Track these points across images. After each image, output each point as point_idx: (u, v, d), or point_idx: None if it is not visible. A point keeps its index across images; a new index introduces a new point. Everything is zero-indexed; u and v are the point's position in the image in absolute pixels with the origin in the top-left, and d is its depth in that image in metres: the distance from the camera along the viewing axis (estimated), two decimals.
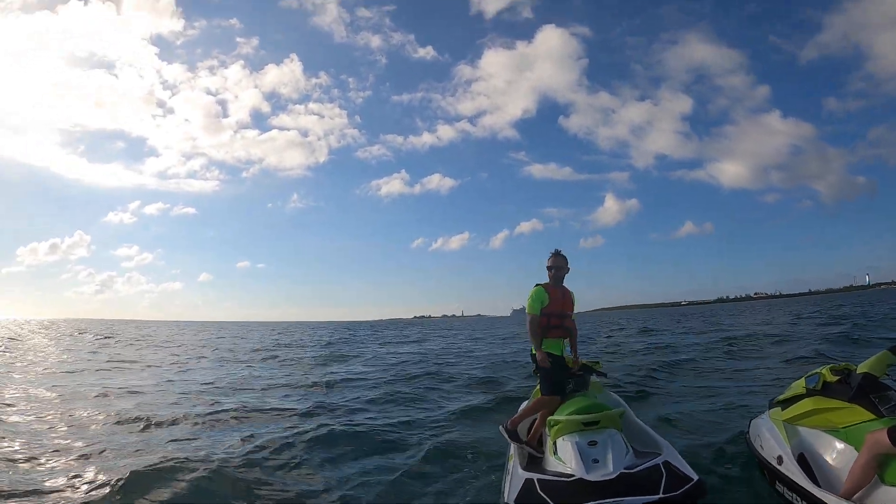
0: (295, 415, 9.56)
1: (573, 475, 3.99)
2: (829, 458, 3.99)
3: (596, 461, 4.12)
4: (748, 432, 5.34)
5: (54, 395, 11.72)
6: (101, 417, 9.24)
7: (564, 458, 4.36)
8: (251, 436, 7.88)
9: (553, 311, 5.64)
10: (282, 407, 10.31)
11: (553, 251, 5.83)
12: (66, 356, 22.87)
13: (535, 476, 4.08)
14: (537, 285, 5.69)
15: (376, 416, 9.34)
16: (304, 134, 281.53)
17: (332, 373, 16.41)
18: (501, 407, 9.52)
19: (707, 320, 46.31)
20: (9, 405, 10.30)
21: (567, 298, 5.78)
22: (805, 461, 4.17)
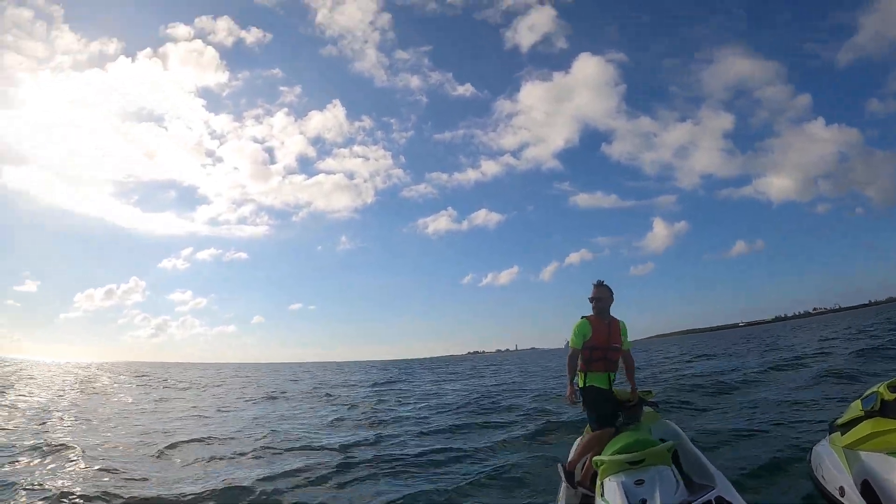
0: (347, 447, 10.06)
1: None
2: None
3: (643, 502, 3.98)
4: (809, 461, 5.03)
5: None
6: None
7: (610, 499, 4.16)
8: (305, 467, 8.50)
9: (596, 345, 5.58)
10: (333, 441, 10.75)
11: (595, 282, 5.79)
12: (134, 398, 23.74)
13: None
14: (582, 318, 5.68)
15: (428, 447, 9.74)
16: (350, 176, 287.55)
17: (387, 408, 16.79)
18: (553, 437, 9.77)
19: (763, 340, 45.00)
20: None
21: (614, 329, 5.71)
22: (870, 489, 3.83)
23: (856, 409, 4.30)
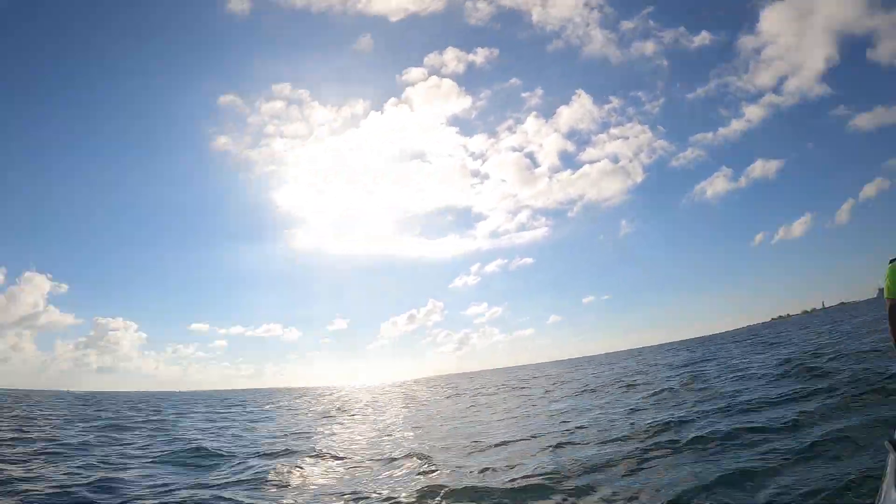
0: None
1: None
2: None
3: None
4: None
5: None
6: None
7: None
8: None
9: None
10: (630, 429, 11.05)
11: None
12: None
13: None
14: (893, 261, 4.76)
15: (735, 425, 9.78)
16: (615, 160, 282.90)
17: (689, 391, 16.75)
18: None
19: None
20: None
21: None
22: None
23: None
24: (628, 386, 22.64)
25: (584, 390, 24.56)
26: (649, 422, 11.62)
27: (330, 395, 61.78)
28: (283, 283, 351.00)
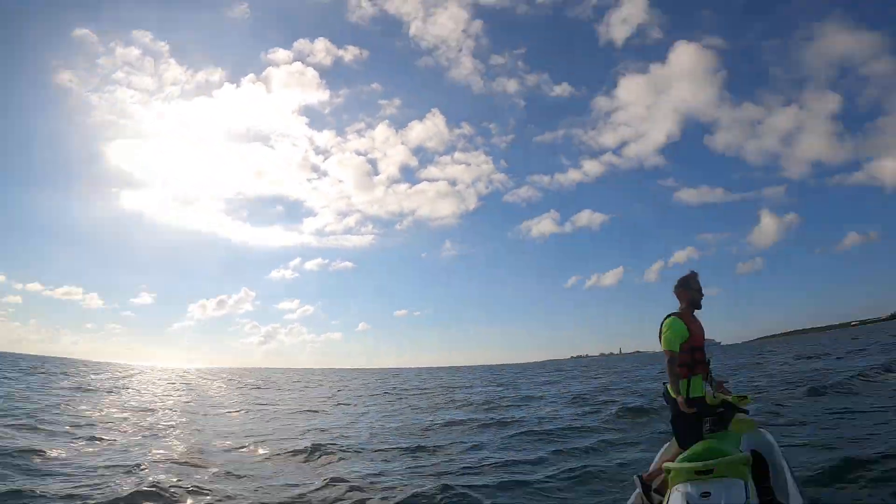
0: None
1: None
2: None
3: None
4: None
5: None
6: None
7: None
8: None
9: (696, 345, 5.02)
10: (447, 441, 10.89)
11: (692, 273, 5.33)
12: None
13: None
14: (672, 315, 5.11)
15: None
16: (453, 183, 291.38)
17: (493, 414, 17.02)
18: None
19: (875, 340, 42.23)
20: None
21: (702, 329, 5.20)
22: None
23: None
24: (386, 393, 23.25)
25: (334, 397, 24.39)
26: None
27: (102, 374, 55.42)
28: (93, 243, 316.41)
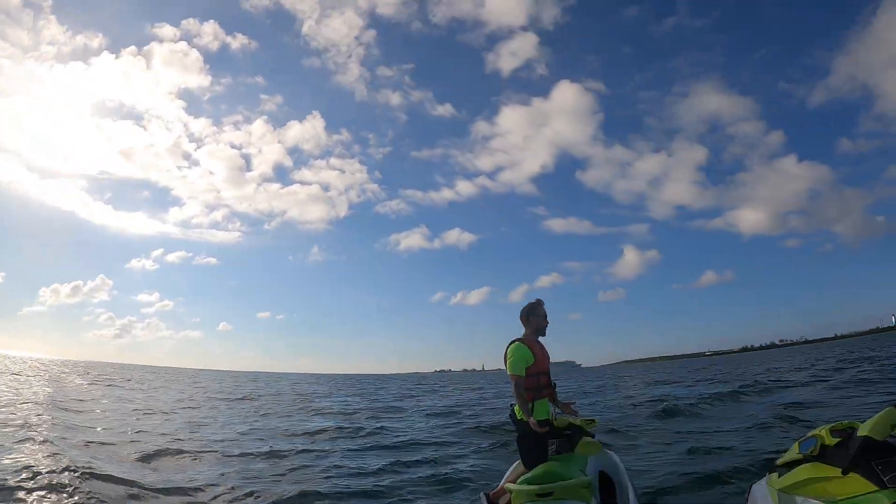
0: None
1: None
2: None
3: None
4: (746, 499, 4.64)
5: None
6: None
7: None
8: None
9: (541, 370, 5.18)
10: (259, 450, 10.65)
11: (537, 301, 5.43)
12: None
13: None
14: (516, 341, 5.22)
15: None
16: (326, 188, 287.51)
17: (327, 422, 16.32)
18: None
19: (725, 370, 45.34)
20: None
21: (546, 354, 5.33)
22: None
23: (794, 451, 3.92)
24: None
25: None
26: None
27: None
28: None
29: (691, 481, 7.21)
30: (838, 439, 3.51)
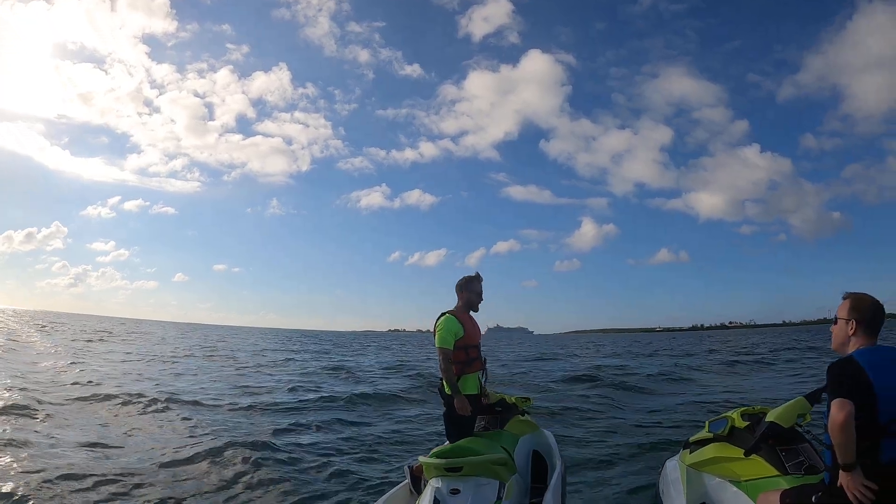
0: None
1: None
2: None
3: None
4: (660, 474, 4.96)
5: None
6: None
7: (422, 502, 3.95)
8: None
9: (470, 343, 5.06)
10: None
11: (476, 274, 5.29)
12: None
13: None
14: (447, 314, 5.10)
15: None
16: (288, 142, 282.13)
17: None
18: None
19: (671, 346, 46.42)
20: None
21: (477, 328, 5.24)
22: None
23: (706, 430, 4.19)
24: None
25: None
26: None
27: None
28: None
29: (617, 454, 7.26)
30: (748, 423, 3.73)
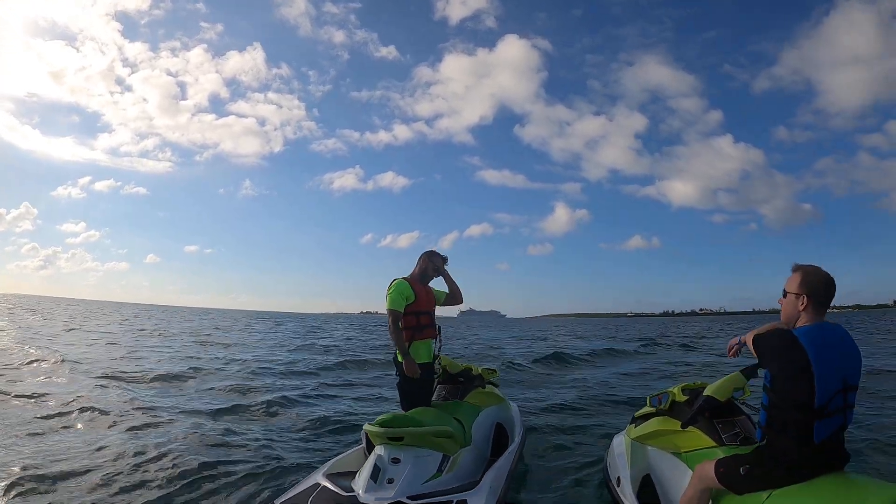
0: None
1: (352, 491, 3.73)
2: (673, 483, 3.63)
3: (390, 481, 3.72)
4: (607, 449, 5.03)
5: None
6: None
7: (363, 469, 3.93)
8: None
9: (421, 310, 5.05)
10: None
11: (443, 255, 5.29)
12: None
13: (325, 483, 3.92)
14: (399, 279, 5.08)
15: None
16: (262, 123, 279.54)
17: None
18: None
19: (638, 330, 47.03)
20: None
21: (431, 296, 5.22)
22: (650, 482, 3.94)
23: (648, 404, 4.32)
24: None
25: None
26: None
27: None
28: None
29: (568, 438, 7.09)
30: (687, 397, 3.90)
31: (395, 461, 3.84)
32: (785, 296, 2.82)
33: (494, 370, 5.81)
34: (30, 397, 8.69)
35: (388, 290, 5.00)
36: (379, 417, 4.12)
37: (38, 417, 7.41)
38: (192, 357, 16.12)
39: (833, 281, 2.76)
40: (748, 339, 3.01)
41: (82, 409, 7.81)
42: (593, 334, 38.85)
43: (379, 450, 3.95)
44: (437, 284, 5.37)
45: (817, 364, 2.51)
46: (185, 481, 4.99)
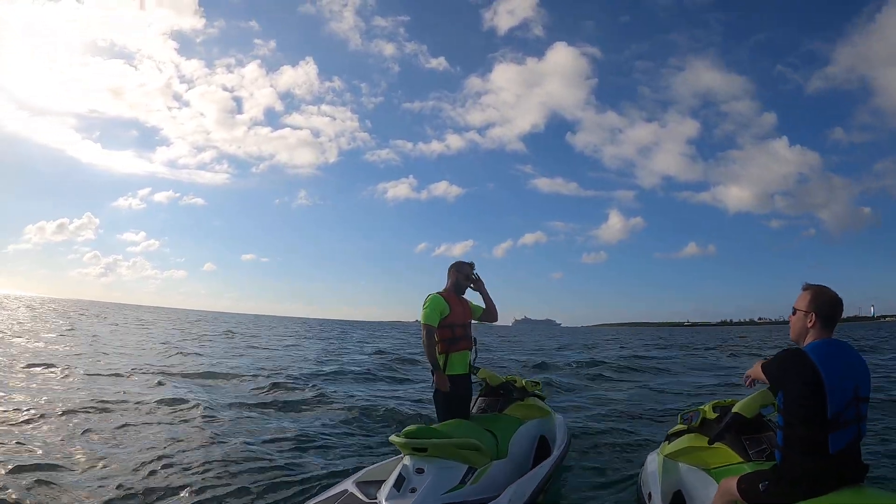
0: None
1: (377, 499, 3.87)
2: (702, 498, 3.66)
3: (413, 490, 3.80)
4: (642, 467, 5.09)
5: None
6: None
7: (390, 477, 4.04)
8: None
9: (456, 322, 5.08)
10: None
11: (471, 262, 5.34)
12: None
13: (353, 490, 4.07)
14: (434, 294, 5.13)
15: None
16: (316, 134, 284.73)
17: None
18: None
19: (698, 341, 45.81)
20: None
21: (467, 308, 5.29)
22: (682, 499, 3.96)
23: (680, 422, 4.41)
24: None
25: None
26: None
27: None
28: None
29: (613, 445, 7.19)
30: (717, 414, 3.99)
31: (420, 471, 3.91)
32: (794, 313, 2.92)
33: (538, 382, 5.83)
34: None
35: (424, 304, 5.07)
36: (406, 428, 4.19)
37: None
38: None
39: (840, 301, 2.86)
40: (755, 370, 3.12)
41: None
42: (654, 343, 38.20)
43: (406, 460, 4.04)
44: (476, 299, 5.43)
45: (827, 376, 2.60)
46: (262, 478, 5.39)
